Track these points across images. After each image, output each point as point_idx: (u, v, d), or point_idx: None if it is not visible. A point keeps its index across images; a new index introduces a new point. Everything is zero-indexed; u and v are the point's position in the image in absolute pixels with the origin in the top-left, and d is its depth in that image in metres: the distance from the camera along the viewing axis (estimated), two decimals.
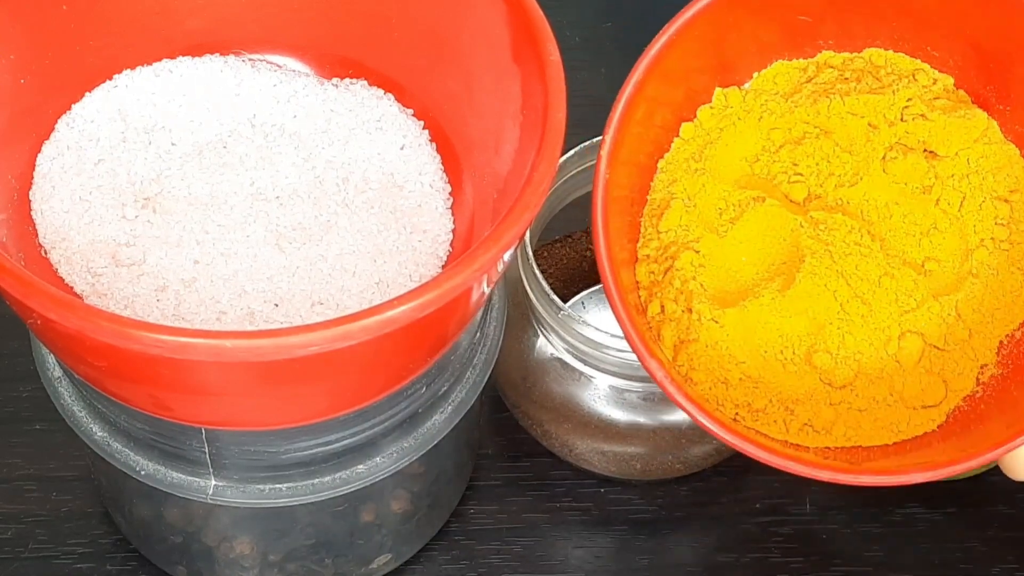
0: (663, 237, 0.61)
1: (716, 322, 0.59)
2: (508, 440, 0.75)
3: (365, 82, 0.64)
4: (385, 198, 0.61)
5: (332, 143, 0.62)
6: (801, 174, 0.60)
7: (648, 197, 0.62)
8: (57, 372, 0.62)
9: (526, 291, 0.68)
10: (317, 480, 0.61)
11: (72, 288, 0.58)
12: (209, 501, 0.61)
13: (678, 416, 0.70)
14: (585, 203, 0.72)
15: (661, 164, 0.62)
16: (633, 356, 0.66)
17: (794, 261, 0.59)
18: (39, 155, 0.61)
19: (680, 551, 0.73)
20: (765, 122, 0.61)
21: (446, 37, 0.62)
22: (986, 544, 0.73)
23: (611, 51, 0.88)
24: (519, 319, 0.70)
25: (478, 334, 0.64)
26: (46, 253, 0.59)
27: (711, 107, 0.62)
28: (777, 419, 0.59)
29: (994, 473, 0.73)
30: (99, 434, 0.62)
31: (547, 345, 0.70)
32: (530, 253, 0.67)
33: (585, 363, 0.69)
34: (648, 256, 0.61)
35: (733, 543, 0.73)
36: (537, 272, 0.67)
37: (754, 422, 0.59)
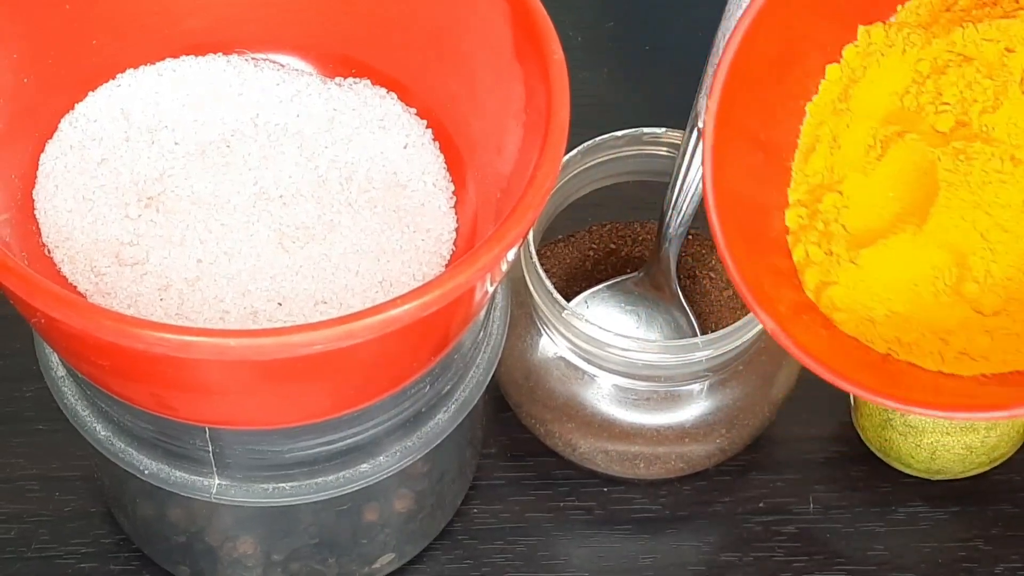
0: (810, 180, 0.61)
1: (854, 263, 0.59)
2: (511, 439, 0.75)
3: (368, 81, 0.64)
4: (388, 197, 0.61)
5: (335, 142, 0.62)
6: (947, 103, 0.60)
7: (797, 141, 0.62)
8: (61, 371, 0.62)
9: (529, 290, 0.68)
10: (321, 479, 0.61)
11: (76, 287, 0.58)
12: (213, 500, 0.61)
13: (681, 415, 0.70)
14: (587, 203, 0.72)
15: (809, 107, 0.62)
16: (636, 355, 0.67)
17: (930, 195, 0.59)
18: (42, 154, 0.61)
19: (683, 550, 0.73)
20: (909, 54, 0.61)
21: (449, 36, 0.62)
22: (989, 543, 0.73)
23: (613, 51, 0.88)
24: (522, 318, 0.70)
25: (481, 333, 0.63)
26: (49, 252, 0.59)
27: (855, 45, 0.62)
28: (931, 350, 0.58)
29: (998, 472, 0.73)
30: (103, 433, 0.62)
31: (550, 344, 0.70)
32: (533, 252, 0.67)
33: (588, 362, 0.69)
34: (799, 201, 0.61)
35: (736, 542, 0.73)
36: (540, 271, 0.67)
37: (907, 355, 0.59)
